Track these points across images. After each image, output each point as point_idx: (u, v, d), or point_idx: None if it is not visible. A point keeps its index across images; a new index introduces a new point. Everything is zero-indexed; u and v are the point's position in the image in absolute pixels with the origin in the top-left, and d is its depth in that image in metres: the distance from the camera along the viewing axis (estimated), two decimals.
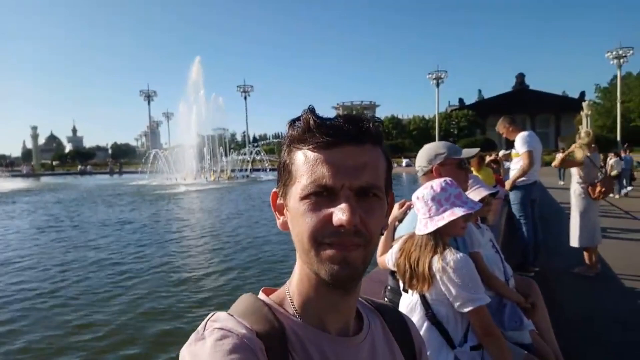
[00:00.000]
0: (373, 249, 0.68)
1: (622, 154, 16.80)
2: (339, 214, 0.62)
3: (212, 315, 0.67)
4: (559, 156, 5.77)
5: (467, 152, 2.33)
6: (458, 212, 1.74)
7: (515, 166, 5.65)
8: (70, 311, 5.37)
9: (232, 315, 0.67)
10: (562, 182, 18.54)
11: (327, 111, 0.71)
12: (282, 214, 0.73)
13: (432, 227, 1.78)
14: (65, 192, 25.32)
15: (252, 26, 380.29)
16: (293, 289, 0.74)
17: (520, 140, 5.50)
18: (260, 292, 0.78)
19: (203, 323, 0.65)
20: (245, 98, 68.70)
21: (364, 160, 0.65)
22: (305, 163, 0.66)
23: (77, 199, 21.01)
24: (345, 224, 0.61)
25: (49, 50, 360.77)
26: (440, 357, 1.75)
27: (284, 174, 0.70)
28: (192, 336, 0.63)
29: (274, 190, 0.75)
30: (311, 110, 0.67)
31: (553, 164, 5.84)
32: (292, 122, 0.69)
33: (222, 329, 0.62)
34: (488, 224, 2.98)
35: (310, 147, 0.66)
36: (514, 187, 5.58)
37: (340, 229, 0.62)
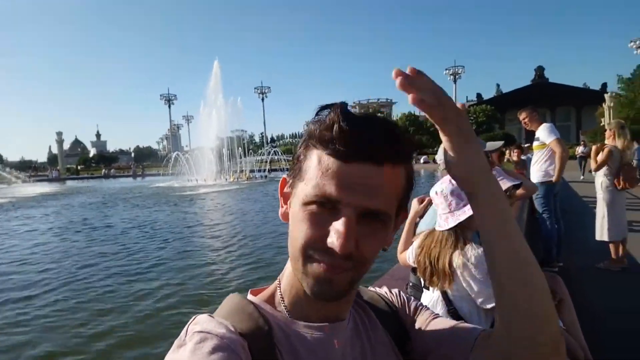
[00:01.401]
0: (364, 271, 0.66)
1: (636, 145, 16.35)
2: (334, 236, 0.60)
3: (194, 318, 0.67)
4: (593, 163, 5.53)
5: (490, 145, 2.30)
6: None
7: (538, 158, 5.52)
8: (89, 311, 5.47)
9: (212, 317, 0.67)
10: (582, 177, 18.17)
11: None
12: (285, 203, 0.72)
13: (453, 222, 1.76)
14: (91, 195, 25.81)
15: (269, 26, 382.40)
16: (285, 282, 0.74)
17: (546, 130, 5.37)
18: (249, 293, 0.78)
19: (185, 328, 0.65)
20: (262, 99, 69.10)
21: (379, 182, 0.61)
22: (318, 168, 0.62)
23: (102, 201, 21.39)
24: (337, 249, 0.60)
25: (72, 57, 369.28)
26: None
27: (296, 167, 0.67)
28: (175, 343, 0.62)
29: (284, 176, 0.73)
30: (341, 109, 0.62)
31: (593, 170, 5.54)
32: (321, 109, 0.65)
33: (201, 331, 0.62)
34: None
35: (327, 152, 0.62)
36: (536, 182, 5.46)
37: (330, 250, 0.61)
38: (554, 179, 5.40)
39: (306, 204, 0.63)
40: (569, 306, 2.68)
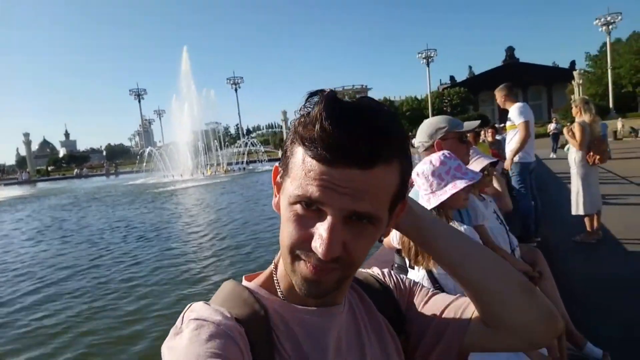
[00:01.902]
0: (354, 269, 0.66)
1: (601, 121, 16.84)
2: (317, 241, 0.59)
3: (189, 306, 0.66)
4: (574, 142, 5.47)
5: (468, 125, 2.31)
6: (460, 184, 1.73)
7: (511, 138, 5.60)
8: (73, 307, 5.39)
9: (208, 304, 0.67)
10: (554, 155, 18.60)
11: None
12: (279, 192, 0.69)
13: (435, 202, 1.77)
14: (63, 197, 25.21)
15: (238, 16, 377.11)
16: (280, 266, 0.73)
17: (516, 111, 5.40)
18: (243, 279, 0.78)
19: (180, 316, 0.64)
20: (235, 90, 68.30)
21: (366, 186, 0.58)
22: (302, 168, 0.59)
23: (75, 202, 20.94)
24: (320, 256, 0.58)
25: (35, 57, 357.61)
26: None
27: (284, 160, 0.65)
28: (171, 331, 0.62)
29: (276, 165, 0.71)
30: (327, 103, 0.58)
31: (578, 149, 5.49)
32: (310, 96, 0.62)
33: (197, 319, 0.61)
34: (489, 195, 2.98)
35: (309, 154, 0.58)
36: (513, 162, 5.50)
37: (316, 253, 0.60)
38: (505, 164, 5.44)
39: (292, 203, 0.61)
40: (550, 279, 2.74)
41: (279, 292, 0.73)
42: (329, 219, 0.58)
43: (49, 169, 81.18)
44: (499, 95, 5.63)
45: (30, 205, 21.63)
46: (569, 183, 5.76)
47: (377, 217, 0.61)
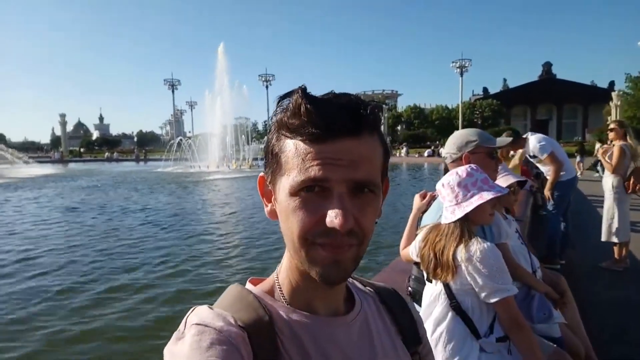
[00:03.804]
0: (366, 245, 0.66)
1: None
2: (332, 216, 0.59)
3: (192, 310, 0.66)
4: (609, 165, 5.32)
5: (500, 141, 2.27)
6: (487, 195, 1.70)
7: (547, 168, 5.43)
8: (89, 297, 5.50)
9: (212, 308, 0.66)
10: (596, 175, 18.01)
11: None
12: (270, 201, 0.70)
13: (460, 213, 1.74)
14: (95, 178, 25.92)
15: (274, 14, 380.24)
16: (282, 276, 0.74)
17: (537, 148, 5.24)
18: (247, 282, 0.78)
19: (183, 320, 0.64)
20: (267, 87, 68.83)
21: (359, 154, 0.61)
22: (296, 156, 0.61)
23: (106, 184, 21.50)
24: (338, 227, 0.59)
25: (76, 40, 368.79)
26: (465, 347, 1.73)
27: (272, 161, 0.66)
28: (174, 335, 0.62)
29: (261, 174, 0.72)
30: (303, 91, 0.61)
31: (610, 172, 5.32)
32: (281, 99, 0.64)
33: (199, 324, 0.61)
34: (514, 216, 2.92)
35: (301, 138, 0.61)
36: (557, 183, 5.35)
37: (332, 231, 0.60)
38: (546, 193, 5.39)
39: (294, 193, 0.62)
40: (572, 304, 2.66)
41: (282, 299, 0.72)
42: (335, 192, 0.60)
43: (82, 150, 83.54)
44: (505, 151, 5.55)
45: (68, 184, 22.27)
46: (599, 207, 5.58)
47: (375, 183, 0.64)
